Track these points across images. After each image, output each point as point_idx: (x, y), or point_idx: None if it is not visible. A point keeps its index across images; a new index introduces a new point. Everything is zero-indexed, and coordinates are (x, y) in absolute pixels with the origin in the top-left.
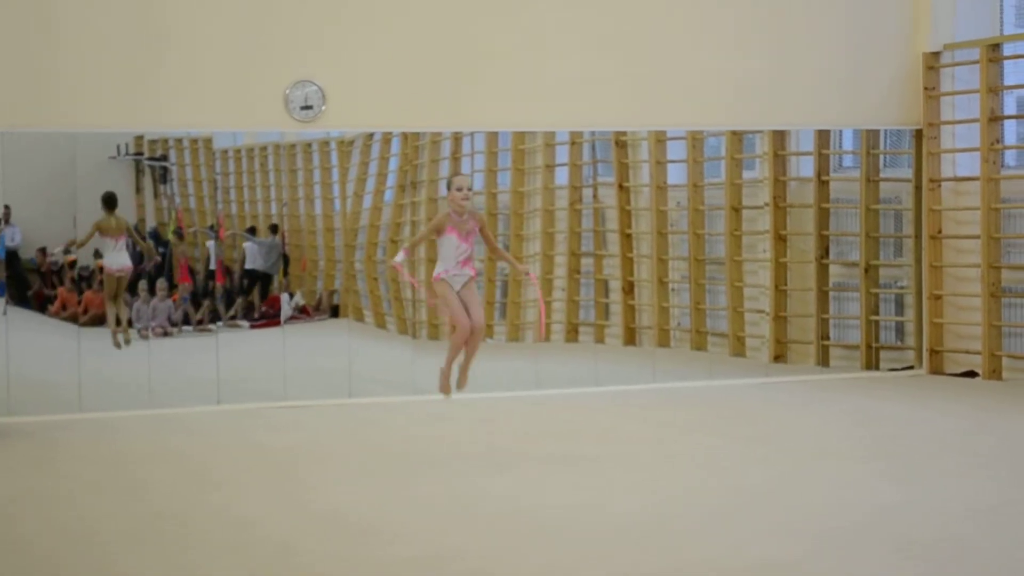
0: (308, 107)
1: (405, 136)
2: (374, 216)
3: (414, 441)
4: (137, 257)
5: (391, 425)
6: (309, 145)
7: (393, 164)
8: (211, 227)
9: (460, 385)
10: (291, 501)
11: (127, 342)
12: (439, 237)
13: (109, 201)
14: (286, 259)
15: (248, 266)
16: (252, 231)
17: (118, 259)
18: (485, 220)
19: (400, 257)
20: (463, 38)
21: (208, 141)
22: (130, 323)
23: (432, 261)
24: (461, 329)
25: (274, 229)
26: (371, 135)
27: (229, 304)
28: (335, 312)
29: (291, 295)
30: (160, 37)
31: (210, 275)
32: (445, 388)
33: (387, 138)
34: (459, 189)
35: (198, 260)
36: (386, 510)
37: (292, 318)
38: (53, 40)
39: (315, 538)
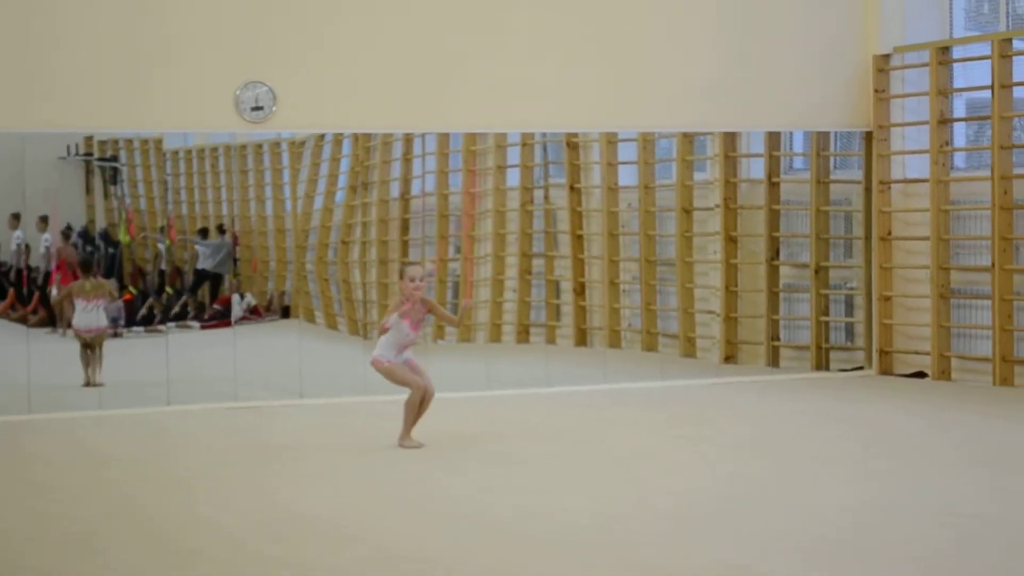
0: (259, 108)
1: (356, 137)
2: (325, 217)
3: (367, 441)
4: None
5: (343, 425)
6: (260, 146)
7: (344, 165)
8: (161, 228)
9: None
10: (250, 501)
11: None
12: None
13: (85, 265)
14: (236, 260)
15: (199, 266)
16: (204, 232)
17: (88, 319)
18: (433, 303)
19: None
20: (415, 39)
21: (158, 142)
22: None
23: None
24: (415, 391)
25: (221, 230)
26: (322, 136)
27: (181, 305)
28: (286, 313)
29: (242, 296)
30: (109, 37)
31: (161, 276)
32: (412, 444)
33: (338, 139)
34: (411, 280)
35: (148, 262)
36: (343, 510)
37: (243, 318)
38: (1, 41)
39: (273, 539)
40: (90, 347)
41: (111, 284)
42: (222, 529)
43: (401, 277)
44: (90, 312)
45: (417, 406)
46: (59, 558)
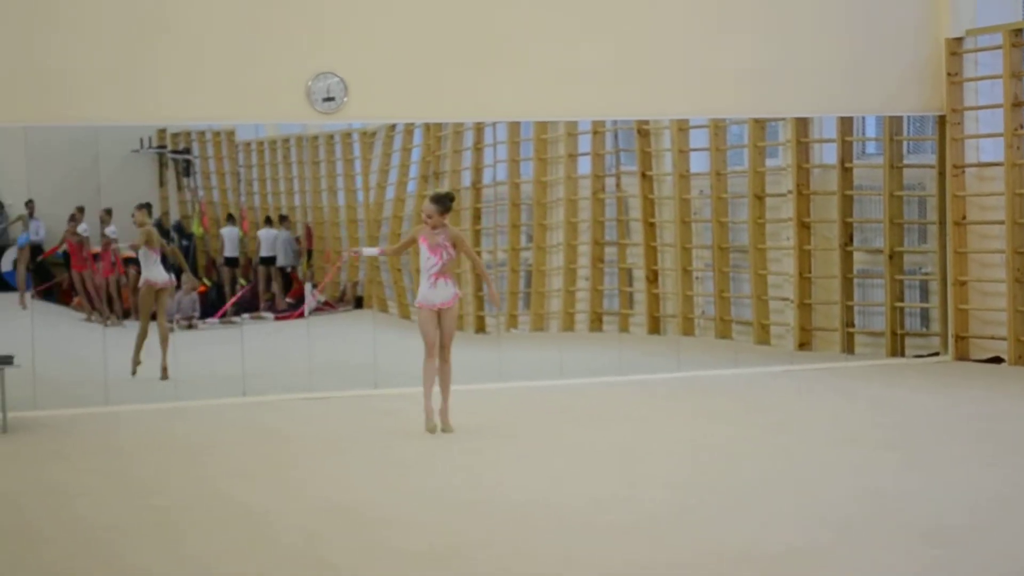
0: (330, 99)
1: (427, 127)
2: (397, 207)
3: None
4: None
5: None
6: (331, 137)
7: (415, 155)
8: (230, 217)
9: (445, 428)
10: (305, 493)
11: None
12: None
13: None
14: (310, 251)
15: (262, 254)
16: (282, 219)
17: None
18: (462, 238)
19: (371, 252)
20: (484, 28)
21: (231, 134)
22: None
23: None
24: (427, 363)
25: (279, 220)
26: (393, 126)
27: (253, 298)
28: (359, 303)
29: (314, 286)
30: (179, 30)
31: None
32: (428, 424)
33: (409, 129)
34: (428, 216)
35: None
36: (403, 503)
37: (317, 309)
38: (69, 34)
39: (333, 529)
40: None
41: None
42: (284, 519)
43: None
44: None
45: (431, 378)
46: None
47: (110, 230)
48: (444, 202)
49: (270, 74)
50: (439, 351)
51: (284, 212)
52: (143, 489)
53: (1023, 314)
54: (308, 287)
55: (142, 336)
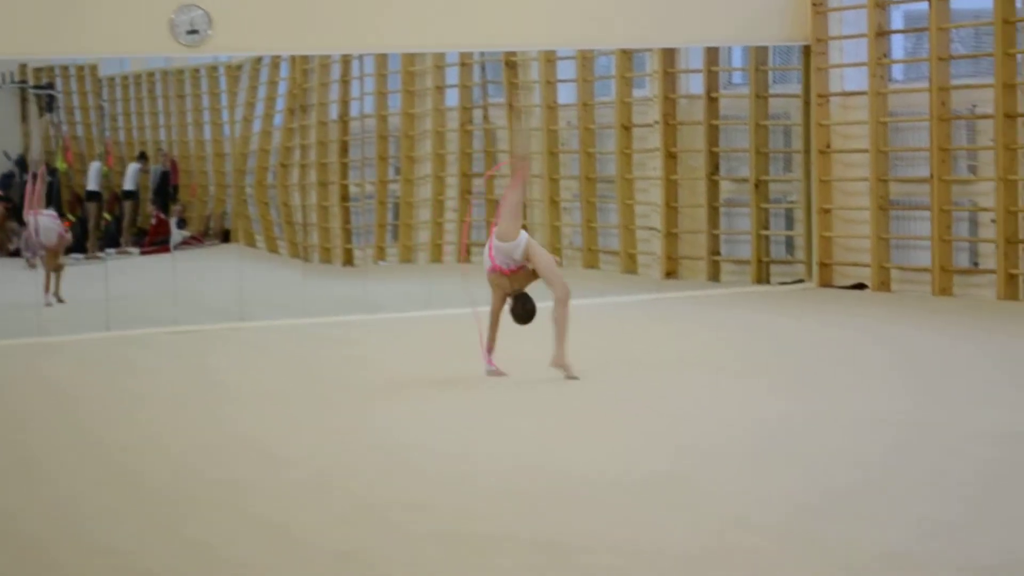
0: (194, 31)
1: (294, 60)
2: (264, 141)
3: (307, 364)
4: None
5: (286, 350)
6: (197, 70)
7: (282, 88)
8: (100, 155)
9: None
10: (189, 425)
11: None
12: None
13: None
14: (175, 186)
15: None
16: (143, 157)
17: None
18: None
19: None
20: None
21: (94, 68)
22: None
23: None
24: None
25: (143, 157)
26: (259, 59)
27: (118, 232)
28: (226, 237)
29: (181, 221)
30: None
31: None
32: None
33: (276, 62)
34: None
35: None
36: (279, 433)
37: (183, 244)
38: None
39: (214, 461)
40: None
41: None
42: (167, 452)
43: None
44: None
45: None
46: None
47: None
48: None
49: (133, 7)
50: None
51: (148, 148)
52: (5, 426)
53: (886, 241)
54: (173, 222)
55: None
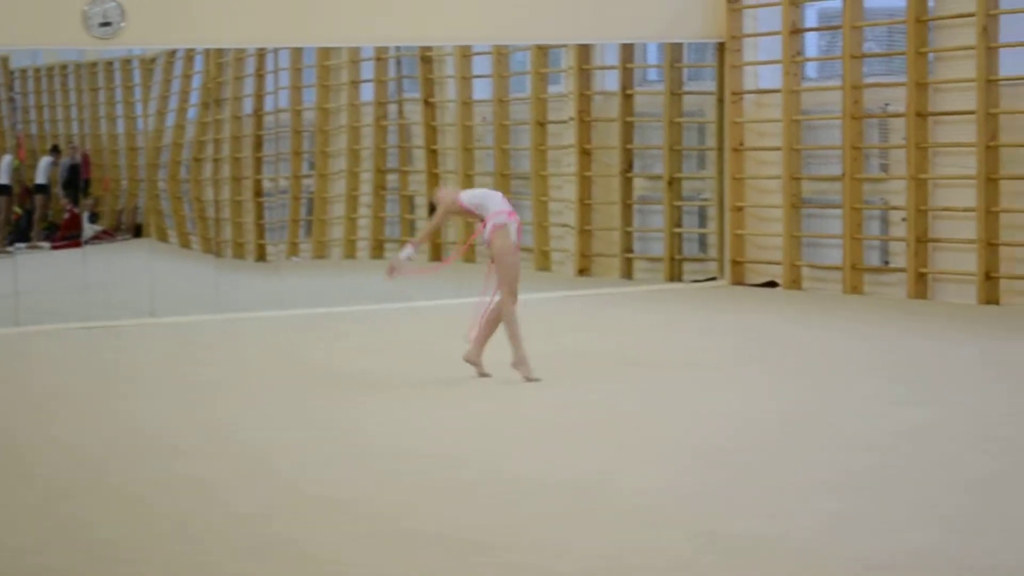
0: (107, 24)
1: (208, 53)
2: (177, 135)
3: (218, 360)
4: None
5: (197, 343)
6: (111, 63)
7: (196, 82)
8: (11, 148)
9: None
10: (103, 422)
11: None
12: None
13: None
14: (87, 180)
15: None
16: (55, 150)
17: None
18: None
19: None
20: None
21: (5, 60)
22: None
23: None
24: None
25: (55, 150)
26: (173, 52)
27: (29, 226)
28: (138, 232)
29: (93, 216)
30: None
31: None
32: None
33: (190, 55)
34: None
35: None
36: (190, 429)
37: (94, 238)
38: None
39: (121, 457)
40: None
41: None
42: (74, 450)
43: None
44: None
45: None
46: None
47: None
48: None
49: None
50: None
51: (60, 141)
52: None
53: (797, 239)
54: (85, 216)
55: None
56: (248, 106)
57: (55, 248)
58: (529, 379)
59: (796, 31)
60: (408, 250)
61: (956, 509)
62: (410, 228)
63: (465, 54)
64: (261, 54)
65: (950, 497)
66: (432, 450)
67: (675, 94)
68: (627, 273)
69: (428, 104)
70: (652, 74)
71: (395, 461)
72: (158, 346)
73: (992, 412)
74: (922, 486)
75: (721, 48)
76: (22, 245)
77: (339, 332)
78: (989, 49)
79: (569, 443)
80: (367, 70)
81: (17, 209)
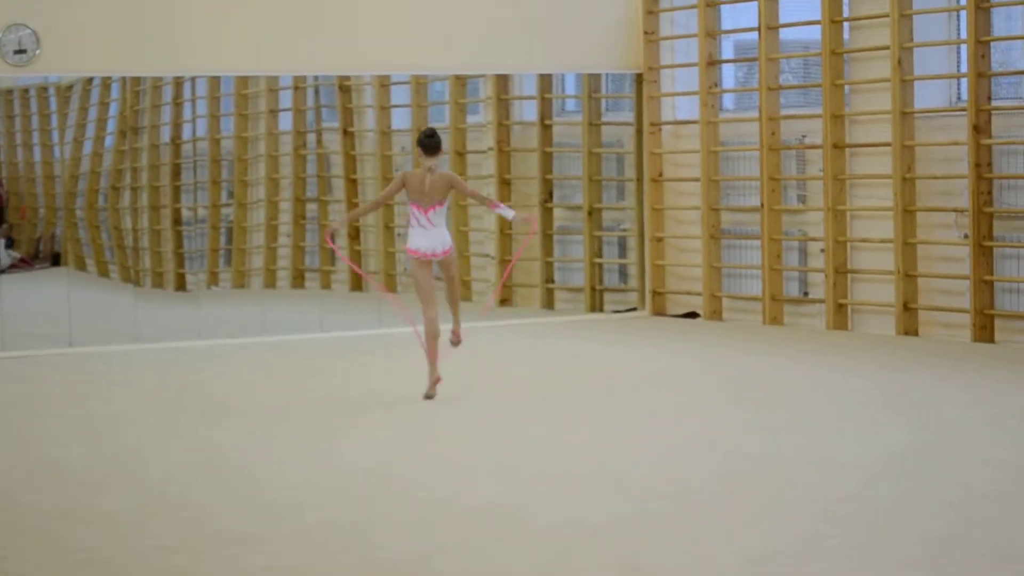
0: (22, 51)
1: (125, 81)
2: (95, 163)
3: (136, 390)
4: None
5: (116, 373)
6: (27, 91)
7: (113, 109)
8: None
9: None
10: (10, 452)
11: None
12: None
13: None
14: (1, 209)
15: None
16: None
17: None
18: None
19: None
20: None
21: None
22: None
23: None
24: (427, 319)
25: None
26: (90, 80)
27: None
28: (56, 260)
29: (9, 243)
30: None
31: None
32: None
33: (106, 83)
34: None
35: None
36: (102, 460)
37: (12, 267)
38: None
39: (35, 487)
40: None
41: None
42: None
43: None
44: None
45: (432, 330)
46: None
47: None
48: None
49: None
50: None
51: None
52: None
53: (717, 270)
54: (1, 243)
55: None
56: (166, 134)
57: None
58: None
59: (713, 63)
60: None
61: (881, 544)
62: (331, 257)
63: (384, 83)
64: (178, 82)
65: (883, 532)
66: (336, 479)
67: (594, 124)
68: (548, 304)
69: (347, 133)
70: (570, 104)
71: (294, 491)
72: (73, 376)
73: (907, 441)
74: (854, 519)
75: (639, 79)
76: None
77: (254, 362)
78: (903, 82)
79: (486, 470)
80: (285, 99)
81: None
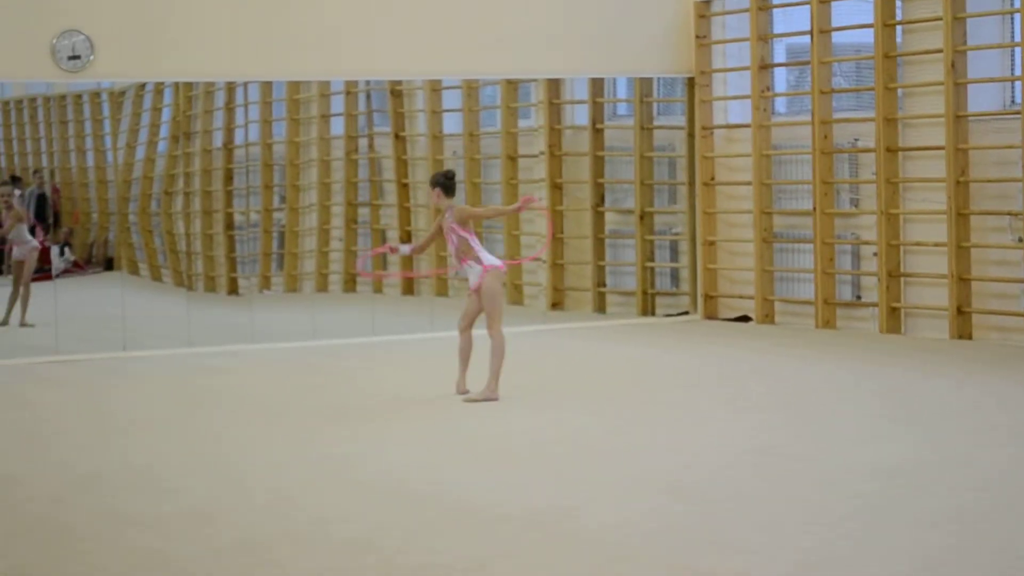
0: (76, 57)
1: (177, 86)
2: (147, 168)
3: (194, 393)
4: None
5: (168, 378)
6: (80, 96)
7: (166, 115)
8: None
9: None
10: (55, 460)
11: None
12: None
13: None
14: (57, 213)
15: None
16: (15, 180)
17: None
18: (467, 213)
19: (404, 250)
20: None
21: None
22: None
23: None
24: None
25: (15, 180)
26: (143, 85)
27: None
28: (109, 265)
29: (63, 248)
30: None
31: None
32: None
33: (159, 88)
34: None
35: None
36: (161, 465)
37: (65, 271)
38: None
39: (82, 494)
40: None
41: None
42: (31, 486)
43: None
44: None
45: (460, 345)
46: None
47: None
48: (438, 181)
49: (13, 31)
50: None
51: (27, 175)
52: None
53: (770, 274)
54: (55, 249)
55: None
56: (218, 139)
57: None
58: (489, 399)
59: (765, 66)
60: (405, 248)
61: (937, 546)
62: (383, 261)
63: (435, 88)
64: (231, 87)
65: (930, 535)
66: (389, 484)
67: (645, 128)
68: (600, 307)
69: (399, 138)
70: (622, 108)
71: (346, 495)
72: (129, 380)
73: (962, 448)
74: (900, 524)
75: (691, 83)
76: None
77: (304, 366)
78: (957, 85)
79: (539, 474)
80: (337, 104)
81: None
